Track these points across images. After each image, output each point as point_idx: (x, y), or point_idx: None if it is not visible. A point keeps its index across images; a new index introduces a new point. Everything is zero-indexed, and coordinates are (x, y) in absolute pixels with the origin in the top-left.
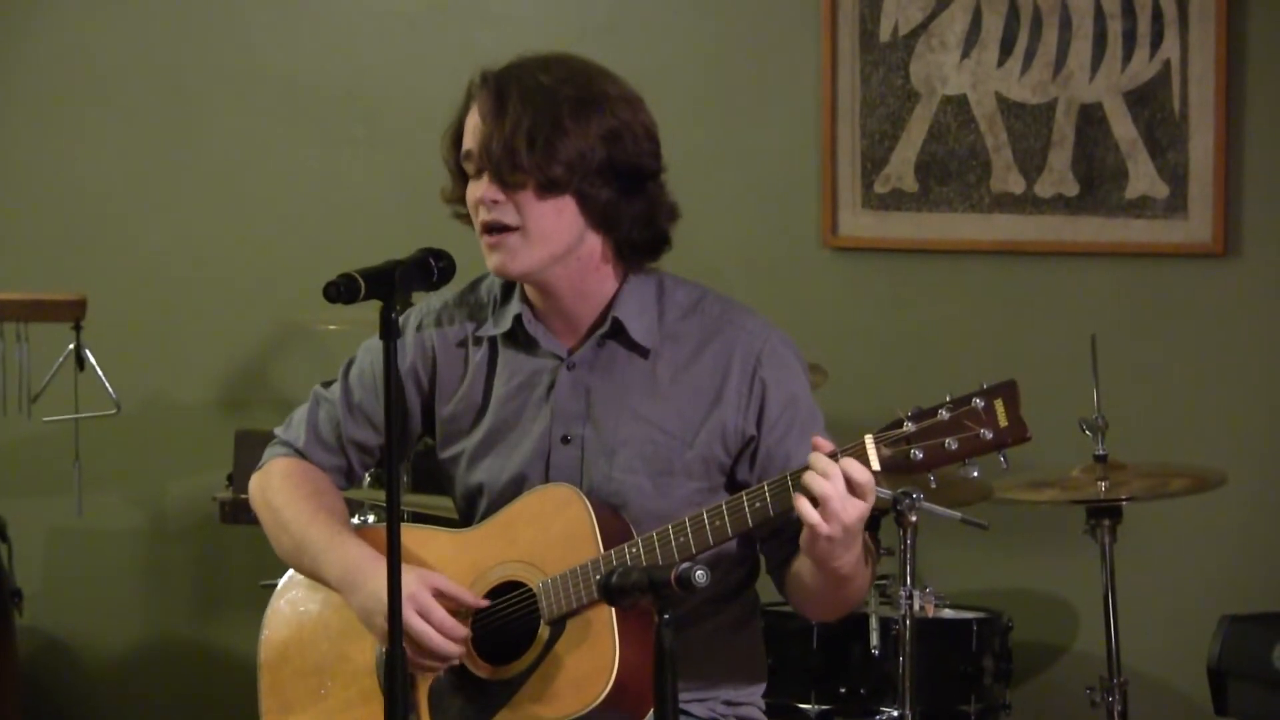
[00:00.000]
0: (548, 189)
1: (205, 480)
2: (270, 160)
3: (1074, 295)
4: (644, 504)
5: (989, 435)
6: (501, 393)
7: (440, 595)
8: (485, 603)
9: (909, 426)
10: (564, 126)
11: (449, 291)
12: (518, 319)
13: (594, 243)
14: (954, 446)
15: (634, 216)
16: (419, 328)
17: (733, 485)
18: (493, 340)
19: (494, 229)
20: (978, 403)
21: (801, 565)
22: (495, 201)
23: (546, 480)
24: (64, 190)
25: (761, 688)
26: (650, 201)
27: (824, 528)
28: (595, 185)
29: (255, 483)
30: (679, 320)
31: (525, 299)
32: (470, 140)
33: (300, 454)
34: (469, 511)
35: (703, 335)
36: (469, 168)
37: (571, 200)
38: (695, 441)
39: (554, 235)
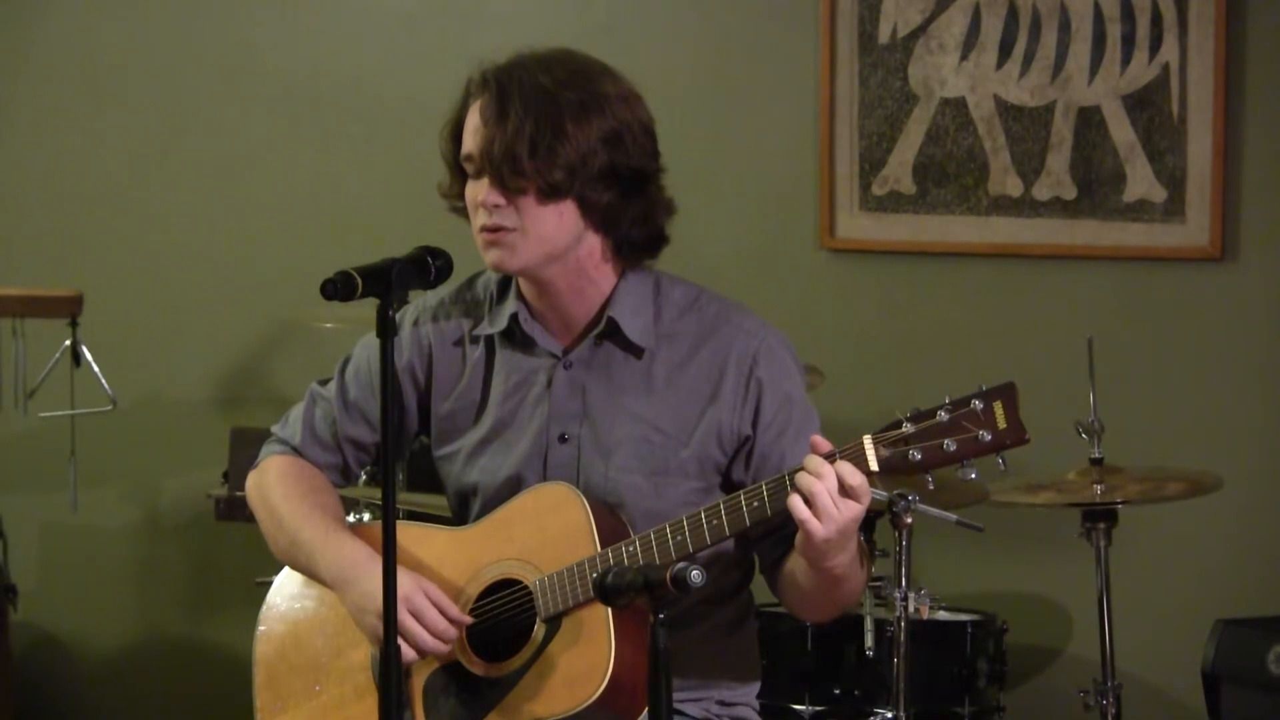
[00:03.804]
0: (549, 194)
1: (200, 477)
2: (268, 158)
3: (1071, 298)
4: (640, 503)
5: (987, 437)
6: (499, 392)
7: (432, 603)
8: (470, 619)
9: (908, 427)
10: (565, 131)
11: (445, 288)
12: (514, 318)
13: (593, 242)
14: (952, 448)
15: (633, 216)
16: (415, 324)
17: (728, 485)
18: (490, 339)
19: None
20: (976, 404)
21: (795, 565)
22: (496, 205)
23: (544, 479)
24: (61, 186)
25: (756, 688)
26: (649, 200)
27: (816, 527)
28: (596, 189)
29: (252, 481)
30: (675, 319)
31: (521, 297)
32: (470, 143)
33: (296, 452)
34: (463, 510)
35: (699, 334)
36: (469, 168)
37: (572, 204)
38: (691, 441)
39: (553, 237)
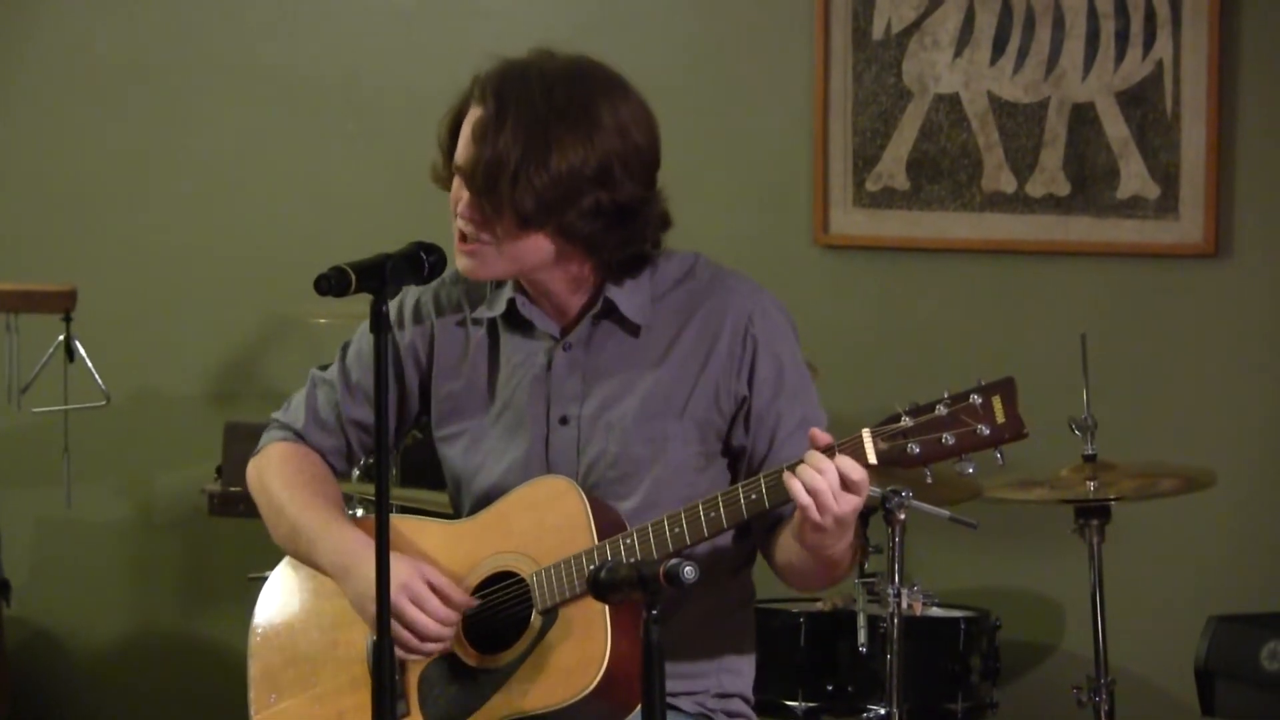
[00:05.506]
0: (523, 224)
1: (194, 472)
2: (262, 153)
3: (1064, 295)
4: (643, 476)
5: (986, 431)
6: (502, 376)
7: (432, 589)
8: (475, 601)
9: (906, 421)
10: (549, 165)
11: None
12: (512, 302)
13: (572, 258)
14: (951, 442)
15: (618, 241)
16: (417, 305)
17: (729, 451)
18: (491, 322)
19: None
20: (975, 399)
21: (789, 544)
22: (471, 218)
23: (545, 462)
24: (55, 181)
25: (751, 678)
26: (637, 226)
27: (815, 516)
28: (576, 221)
29: (253, 467)
30: (670, 290)
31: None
32: (460, 154)
33: (299, 436)
34: (460, 496)
35: (694, 301)
36: (456, 173)
37: (550, 230)
38: (690, 407)
39: (525, 257)
